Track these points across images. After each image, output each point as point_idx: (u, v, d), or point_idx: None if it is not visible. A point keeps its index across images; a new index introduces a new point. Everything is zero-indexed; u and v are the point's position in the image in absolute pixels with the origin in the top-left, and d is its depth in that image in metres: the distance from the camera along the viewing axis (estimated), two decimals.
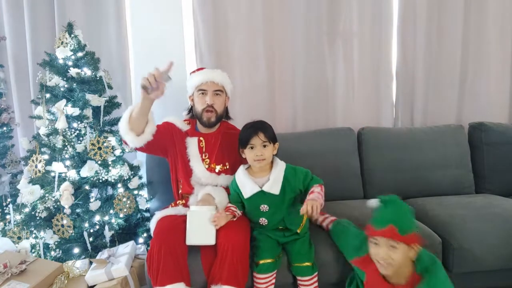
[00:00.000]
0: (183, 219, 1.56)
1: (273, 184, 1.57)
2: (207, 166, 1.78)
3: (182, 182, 1.82)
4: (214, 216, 1.52)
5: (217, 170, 1.78)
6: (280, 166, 1.61)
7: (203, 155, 1.80)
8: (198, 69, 1.86)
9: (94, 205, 1.92)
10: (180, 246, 1.50)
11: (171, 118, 1.88)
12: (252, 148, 1.56)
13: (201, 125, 1.83)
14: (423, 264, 1.31)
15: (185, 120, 1.90)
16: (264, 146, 1.56)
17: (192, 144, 1.81)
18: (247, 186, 1.59)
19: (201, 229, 1.53)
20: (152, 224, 1.66)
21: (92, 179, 1.93)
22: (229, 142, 1.80)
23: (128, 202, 1.99)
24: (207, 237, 1.53)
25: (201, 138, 1.82)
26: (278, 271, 1.61)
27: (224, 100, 1.83)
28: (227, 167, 1.80)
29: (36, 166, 1.91)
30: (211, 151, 1.81)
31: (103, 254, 1.77)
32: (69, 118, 1.95)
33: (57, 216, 1.84)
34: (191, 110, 1.90)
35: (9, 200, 2.05)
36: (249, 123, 1.62)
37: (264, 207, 1.60)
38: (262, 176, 1.61)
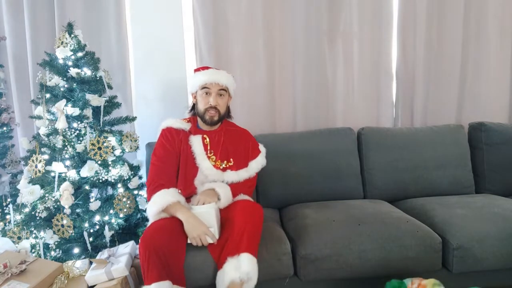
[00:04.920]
0: (176, 219, 1.57)
1: None
2: (213, 163, 1.79)
3: (181, 188, 1.76)
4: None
5: (222, 167, 1.79)
6: None
7: (208, 152, 1.80)
8: (203, 68, 1.84)
9: (94, 205, 1.92)
10: (167, 246, 1.48)
11: (168, 121, 1.83)
12: None
13: (203, 123, 1.83)
14: None
15: (184, 119, 1.88)
16: None
17: (196, 142, 1.80)
18: None
19: None
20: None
21: (92, 179, 1.93)
22: (232, 139, 1.85)
23: (128, 202, 2.00)
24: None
25: (204, 136, 1.83)
26: None
27: (227, 100, 1.84)
28: (232, 163, 1.81)
29: (36, 166, 1.91)
30: (215, 148, 1.82)
31: (103, 254, 1.77)
32: (69, 118, 1.95)
33: (57, 216, 1.84)
34: (193, 107, 1.89)
35: (9, 200, 2.05)
36: None
37: None
38: None
